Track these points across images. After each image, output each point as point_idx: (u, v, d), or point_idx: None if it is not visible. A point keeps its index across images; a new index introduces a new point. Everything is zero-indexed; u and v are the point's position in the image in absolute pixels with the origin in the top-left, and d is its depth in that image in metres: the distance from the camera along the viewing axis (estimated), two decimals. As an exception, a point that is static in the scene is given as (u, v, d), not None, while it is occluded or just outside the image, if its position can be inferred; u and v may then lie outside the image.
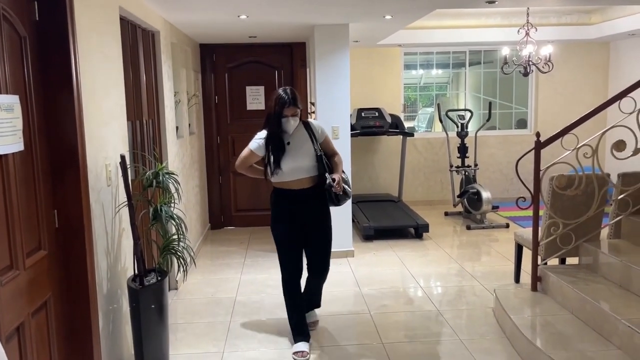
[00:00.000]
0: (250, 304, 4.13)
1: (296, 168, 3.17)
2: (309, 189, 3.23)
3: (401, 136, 7.10)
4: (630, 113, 3.55)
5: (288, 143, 3.18)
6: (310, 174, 3.22)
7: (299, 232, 3.30)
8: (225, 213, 6.59)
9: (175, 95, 4.80)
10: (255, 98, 6.44)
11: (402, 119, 7.39)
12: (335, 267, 4.91)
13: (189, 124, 5.48)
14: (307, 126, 3.28)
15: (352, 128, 6.20)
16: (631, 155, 3.54)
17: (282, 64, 6.40)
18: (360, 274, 4.76)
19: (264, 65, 6.41)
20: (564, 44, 7.41)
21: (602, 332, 3.04)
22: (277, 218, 3.31)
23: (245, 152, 3.27)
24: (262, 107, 6.39)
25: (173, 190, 3.17)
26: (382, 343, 3.38)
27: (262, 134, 3.24)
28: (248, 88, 6.40)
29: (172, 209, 3.11)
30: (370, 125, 6.78)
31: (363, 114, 6.90)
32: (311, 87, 5.86)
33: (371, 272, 4.87)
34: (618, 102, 3.70)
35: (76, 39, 2.42)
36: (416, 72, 8.93)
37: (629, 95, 3.66)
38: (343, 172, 3.38)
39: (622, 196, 3.67)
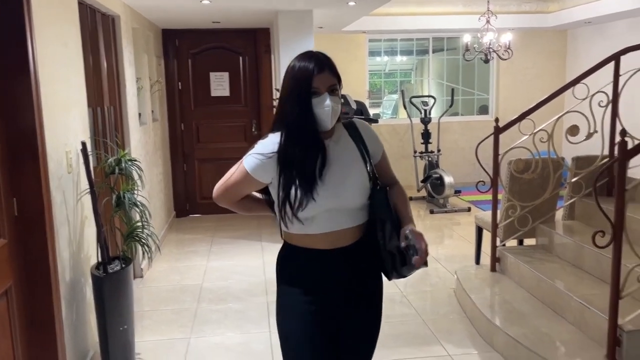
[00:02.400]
0: (217, 290, 4.15)
1: (337, 209, 1.66)
2: (351, 247, 1.71)
3: (366, 122, 7.16)
4: (584, 99, 3.69)
5: (325, 159, 1.65)
6: (357, 221, 1.71)
7: (328, 327, 1.75)
8: (190, 201, 6.55)
9: (137, 81, 4.73)
10: (220, 84, 6.39)
11: (367, 105, 7.45)
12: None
13: (152, 111, 5.41)
14: (353, 130, 1.74)
15: (318, 114, 6.22)
16: (584, 140, 3.69)
17: (246, 49, 6.36)
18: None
19: (228, 51, 6.35)
20: (523, 31, 7.57)
21: (556, 309, 3.18)
22: (290, 301, 1.75)
23: (232, 176, 1.71)
24: (226, 93, 6.36)
25: (136, 177, 3.15)
26: (347, 325, 3.46)
27: (269, 142, 1.66)
28: (212, 74, 6.34)
29: (135, 196, 3.09)
30: (335, 111, 6.80)
31: (328, 100, 6.91)
32: (276, 74, 5.85)
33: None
34: (572, 88, 3.85)
35: (33, 25, 2.37)
36: (381, 59, 9.00)
37: (582, 82, 3.80)
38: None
39: (575, 179, 3.82)
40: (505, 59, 6.36)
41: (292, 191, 1.61)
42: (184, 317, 3.66)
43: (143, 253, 3.15)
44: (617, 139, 3.15)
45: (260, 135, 6.26)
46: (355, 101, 7.05)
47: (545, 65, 7.91)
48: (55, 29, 2.72)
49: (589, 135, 3.69)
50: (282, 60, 5.11)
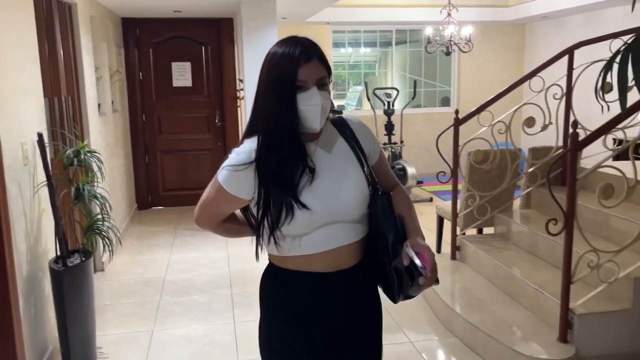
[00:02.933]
0: (180, 282, 4.12)
1: (333, 223, 1.40)
2: (354, 269, 1.46)
3: (330, 114, 7.18)
4: (539, 92, 3.81)
5: (310, 168, 1.38)
6: (358, 235, 1.45)
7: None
8: (152, 193, 6.45)
9: (96, 71, 4.62)
10: (182, 75, 6.30)
11: (332, 97, 7.47)
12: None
13: (112, 101, 5.30)
14: (344, 128, 1.48)
15: (282, 105, 6.21)
16: (540, 131, 3.80)
17: (209, 39, 6.28)
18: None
19: (190, 41, 6.26)
20: (483, 24, 7.72)
21: (512, 295, 3.29)
22: (281, 335, 1.48)
23: (209, 194, 1.45)
24: (189, 83, 6.28)
25: (96, 169, 3.09)
26: (312, 314, 3.50)
27: (243, 150, 1.39)
28: (174, 64, 6.25)
29: (95, 188, 3.03)
30: (299, 102, 6.81)
31: (292, 92, 6.91)
32: (239, 64, 5.81)
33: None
34: (528, 81, 3.96)
35: (-16, 10, 2.29)
36: (345, 50, 9.03)
37: (538, 75, 3.92)
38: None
39: (531, 169, 3.94)
40: (466, 52, 6.48)
41: (271, 206, 1.34)
42: (146, 310, 3.63)
43: (104, 246, 3.10)
44: (571, 130, 3.27)
45: (224, 127, 6.21)
46: (320, 92, 7.08)
47: (505, 58, 8.09)
48: (6, 14, 2.64)
49: (545, 127, 3.81)
50: (246, 50, 5.07)
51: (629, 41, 2.23)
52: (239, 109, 6.28)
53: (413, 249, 1.36)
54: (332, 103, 6.96)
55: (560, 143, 3.94)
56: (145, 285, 4.06)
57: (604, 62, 2.17)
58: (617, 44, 3.50)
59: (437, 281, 1.36)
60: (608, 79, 2.34)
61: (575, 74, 3.90)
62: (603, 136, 2.71)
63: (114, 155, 5.13)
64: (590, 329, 2.70)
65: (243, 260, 4.58)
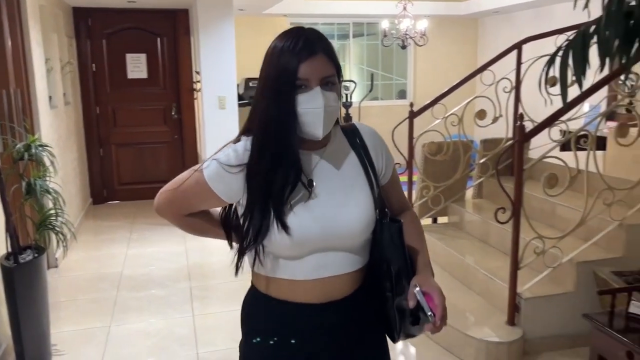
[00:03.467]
0: (138, 277, 4.08)
1: (330, 249, 1.23)
2: (347, 300, 1.29)
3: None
4: (490, 85, 3.94)
5: (310, 182, 1.22)
6: (357, 264, 1.28)
7: None
8: (108, 187, 6.32)
9: (46, 62, 4.48)
10: (137, 66, 6.18)
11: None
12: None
13: (64, 93, 5.16)
14: (354, 137, 1.31)
15: (240, 98, 6.19)
16: (491, 123, 3.94)
17: (164, 31, 6.18)
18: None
19: (145, 32, 6.14)
20: (438, 18, 7.88)
21: (464, 282, 3.41)
22: None
23: (184, 183, 1.26)
24: (144, 75, 6.16)
25: (48, 163, 3.02)
26: (271, 306, 3.53)
27: (241, 148, 1.22)
28: (128, 55, 6.12)
29: (47, 182, 2.97)
30: (257, 95, 6.79)
31: (251, 84, 6.89)
32: (196, 56, 5.75)
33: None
34: (480, 74, 4.09)
35: None
36: (303, 43, 9.05)
37: (489, 68, 4.05)
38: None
39: (483, 160, 4.08)
40: (421, 45, 6.61)
41: (256, 218, 1.18)
42: (103, 305, 3.58)
43: (57, 242, 3.04)
44: (517, 123, 3.40)
45: (181, 119, 6.13)
46: (278, 85, 7.08)
47: (459, 52, 8.28)
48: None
49: (495, 119, 3.95)
50: (202, 42, 5.03)
51: (571, 37, 2.35)
52: (195, 101, 6.22)
53: (421, 289, 1.17)
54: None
55: (510, 135, 4.09)
56: (101, 281, 4.00)
57: (549, 57, 2.27)
58: (563, 39, 3.67)
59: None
60: (553, 73, 2.46)
61: (523, 68, 4.05)
62: (548, 128, 2.84)
63: (66, 148, 5.01)
64: (536, 311, 2.84)
65: (202, 254, 4.57)
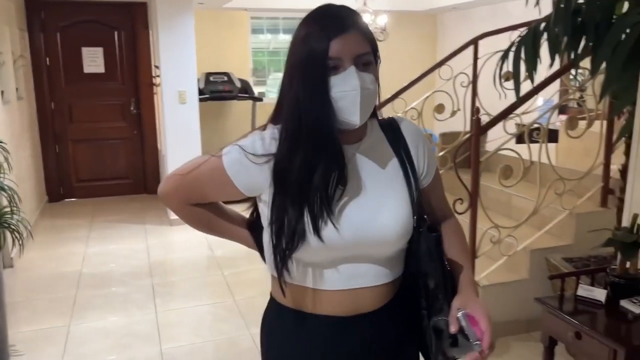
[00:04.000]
0: (98, 275, 4.01)
1: (360, 257, 1.10)
2: (378, 313, 1.15)
3: (251, 101, 7.18)
4: (448, 79, 4.04)
5: (344, 178, 1.06)
6: (390, 275, 1.14)
7: None
8: (65, 184, 6.16)
9: (-3, 56, 4.34)
10: (93, 60, 6.04)
11: (252, 84, 7.46)
12: (187, 233, 4.94)
13: (17, 88, 5.00)
14: (393, 133, 1.17)
15: (201, 92, 6.14)
16: (450, 117, 4.04)
17: (122, 24, 6.05)
18: (212, 238, 4.81)
19: (102, 25, 6.00)
20: (397, 14, 7.97)
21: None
22: None
23: (199, 167, 1.13)
24: (101, 70, 6.03)
25: (2, 160, 2.94)
26: (234, 300, 3.53)
27: (268, 136, 1.08)
28: (84, 49, 5.97)
29: (2, 179, 2.89)
30: (219, 89, 6.74)
31: (211, 79, 6.82)
32: (154, 50, 5.66)
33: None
34: (438, 69, 4.18)
35: None
36: (264, 37, 9.01)
37: (447, 64, 4.15)
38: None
39: (442, 153, 4.18)
40: (382, 40, 6.68)
41: (286, 221, 1.03)
42: (62, 304, 3.51)
43: (13, 240, 2.96)
44: (474, 117, 3.50)
45: (140, 115, 6.04)
46: (240, 79, 7.04)
47: (419, 47, 8.41)
48: None
49: (453, 113, 4.06)
50: (161, 36, 4.95)
51: (522, 34, 2.44)
52: (155, 96, 6.13)
53: (465, 311, 1.04)
54: (251, 89, 6.91)
55: (468, 128, 4.20)
56: (60, 280, 3.91)
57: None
58: (517, 35, 3.79)
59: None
60: (507, 69, 2.55)
61: (480, 63, 4.16)
62: (503, 121, 2.94)
63: (20, 145, 4.86)
64: (493, 298, 2.94)
65: (163, 250, 4.53)
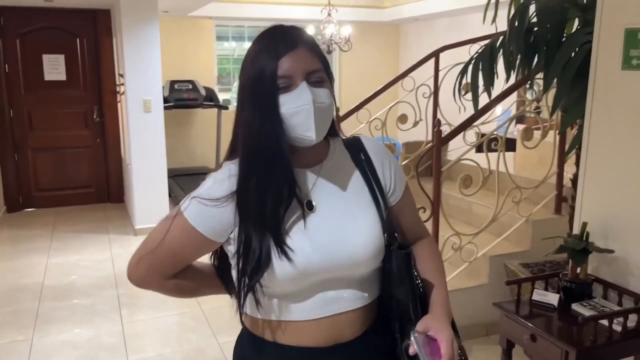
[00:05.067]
0: (60, 287, 3.94)
1: (333, 281, 1.07)
2: (357, 342, 1.11)
3: (216, 109, 7.18)
4: (410, 91, 4.15)
5: (309, 203, 1.07)
6: (366, 298, 1.11)
7: None
8: (24, 194, 6.01)
9: (-46, 63, 4.23)
10: (55, 67, 5.93)
11: (217, 91, 7.45)
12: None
13: (-25, 96, 4.88)
14: (357, 151, 1.16)
15: (165, 100, 6.10)
16: (412, 127, 4.16)
17: (84, 31, 5.97)
18: (179, 247, 4.80)
19: (64, 32, 5.91)
20: (361, 24, 8.12)
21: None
22: None
23: (165, 238, 1.07)
24: (63, 77, 5.93)
25: (-39, 171, 2.88)
26: (202, 309, 3.53)
27: (223, 176, 1.06)
28: (45, 56, 5.86)
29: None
30: (184, 97, 6.72)
31: (176, 86, 6.80)
32: (119, 58, 5.60)
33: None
34: (401, 81, 4.30)
35: None
36: (229, 44, 9.01)
37: (409, 75, 4.26)
38: None
39: (405, 162, 4.27)
40: (346, 51, 6.80)
41: (251, 249, 1.01)
42: (24, 317, 3.44)
43: (-27, 253, 2.90)
44: (435, 128, 3.61)
45: (104, 123, 5.94)
46: (205, 87, 7.03)
47: (382, 58, 8.57)
48: None
49: (416, 123, 4.17)
50: (126, 44, 4.92)
51: (480, 49, 2.56)
52: (119, 104, 6.06)
53: (428, 333, 1.02)
54: (216, 97, 6.88)
55: (430, 138, 4.32)
56: (21, 292, 3.83)
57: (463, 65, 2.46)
58: (476, 48, 3.94)
59: None
60: (467, 81, 2.65)
61: (441, 74, 4.30)
62: (463, 132, 3.06)
63: (-22, 154, 4.74)
64: (454, 303, 3.01)
65: (128, 260, 4.48)
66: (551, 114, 2.49)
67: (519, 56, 2.32)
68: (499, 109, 4.43)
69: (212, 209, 1.02)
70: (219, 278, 1.17)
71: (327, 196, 1.07)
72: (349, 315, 1.08)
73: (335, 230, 1.05)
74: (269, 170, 1.01)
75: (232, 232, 1.05)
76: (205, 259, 1.18)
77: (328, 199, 1.07)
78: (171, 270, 1.12)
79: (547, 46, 2.19)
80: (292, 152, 1.03)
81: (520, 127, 4.24)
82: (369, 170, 1.12)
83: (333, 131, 1.12)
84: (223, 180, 1.04)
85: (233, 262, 1.07)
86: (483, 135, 3.56)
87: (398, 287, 1.08)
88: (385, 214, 1.11)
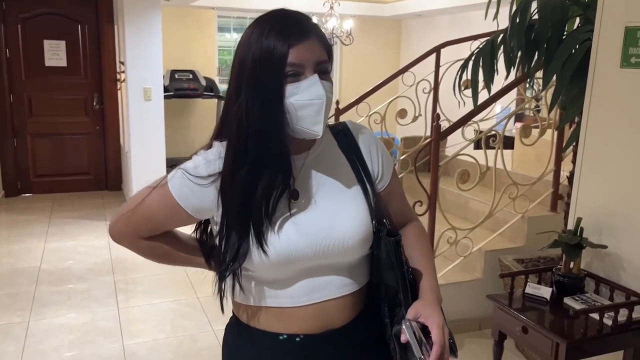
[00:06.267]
0: (57, 271, 3.96)
1: (322, 268, 1.06)
2: (348, 329, 1.11)
3: (216, 99, 7.18)
4: (411, 86, 4.17)
5: (294, 191, 1.05)
6: (355, 284, 1.10)
7: None
8: (22, 179, 6.01)
9: (-44, 45, 4.23)
10: (55, 53, 5.93)
11: (217, 82, 7.46)
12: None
13: (-25, 79, 4.88)
14: (344, 137, 1.14)
15: (165, 90, 6.10)
16: (411, 122, 4.17)
17: (86, 18, 5.96)
18: (176, 236, 4.82)
19: (65, 18, 5.89)
20: (363, 19, 8.12)
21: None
22: None
23: (145, 200, 1.07)
24: (63, 63, 5.92)
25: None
26: (197, 297, 3.56)
27: (213, 155, 1.04)
28: (46, 42, 5.85)
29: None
30: (184, 87, 6.72)
31: (176, 76, 6.79)
32: (120, 45, 5.61)
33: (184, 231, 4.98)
34: (401, 75, 4.31)
35: None
36: (230, 36, 9.00)
37: (410, 70, 4.28)
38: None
39: (403, 157, 4.30)
40: (347, 45, 6.80)
41: (233, 237, 1.01)
42: (20, 300, 3.46)
43: (-29, 234, 2.92)
44: (434, 123, 3.63)
45: (103, 110, 5.95)
46: (205, 78, 7.03)
47: (383, 53, 8.57)
48: None
49: (415, 118, 4.19)
50: (128, 32, 4.92)
51: (481, 45, 2.58)
52: (119, 91, 6.06)
53: (419, 320, 1.01)
54: (217, 88, 6.87)
55: (428, 133, 4.34)
56: (18, 276, 3.85)
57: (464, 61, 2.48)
58: (477, 45, 3.96)
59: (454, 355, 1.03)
60: (467, 77, 2.67)
61: (441, 70, 4.31)
62: (462, 128, 3.08)
63: (-23, 138, 4.74)
64: (449, 297, 3.04)
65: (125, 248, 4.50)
66: (549, 110, 2.51)
67: (519, 53, 2.33)
68: (498, 107, 4.46)
69: (195, 186, 1.01)
70: (202, 253, 1.15)
71: (314, 184, 1.06)
72: (337, 302, 1.07)
73: (322, 218, 1.04)
74: (264, 159, 0.98)
75: (215, 215, 1.05)
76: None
77: (315, 187, 1.06)
78: (146, 233, 1.11)
79: (548, 43, 2.21)
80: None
81: (519, 125, 4.26)
82: (356, 157, 1.10)
83: None
84: (213, 161, 1.02)
85: (217, 241, 1.06)
86: (482, 132, 3.59)
87: (387, 273, 1.07)
88: (374, 201, 1.10)
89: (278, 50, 0.95)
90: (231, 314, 1.17)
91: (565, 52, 2.13)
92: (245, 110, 0.97)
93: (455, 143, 3.46)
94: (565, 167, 3.29)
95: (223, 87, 8.63)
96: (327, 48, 1.02)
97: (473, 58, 2.52)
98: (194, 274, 3.92)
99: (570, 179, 2.74)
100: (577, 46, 2.11)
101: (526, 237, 3.23)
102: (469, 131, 3.19)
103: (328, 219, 1.04)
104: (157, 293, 3.64)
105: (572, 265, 2.02)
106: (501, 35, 2.47)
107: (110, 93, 6.12)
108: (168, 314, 3.34)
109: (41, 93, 5.92)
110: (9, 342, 2.97)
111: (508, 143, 3.88)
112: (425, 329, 1.01)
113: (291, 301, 1.05)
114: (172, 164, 6.59)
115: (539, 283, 2.09)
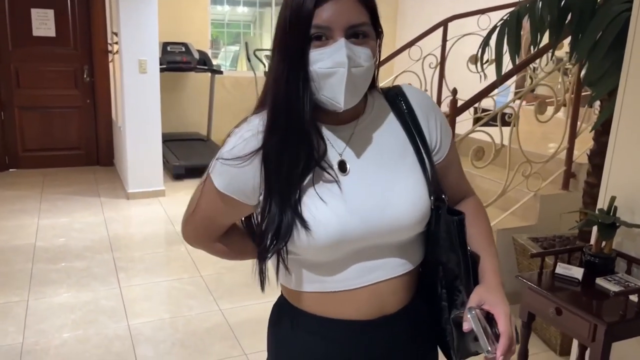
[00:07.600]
0: (53, 249, 3.83)
1: (373, 248, 0.96)
2: (400, 314, 1.02)
3: (209, 73, 7.00)
4: (417, 60, 4.07)
5: (342, 163, 0.96)
6: (409, 264, 1.01)
7: None
8: (10, 154, 5.82)
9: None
10: (43, 23, 5.69)
11: (210, 55, 7.26)
12: (146, 207, 4.80)
13: (-40, 48, 4.65)
14: (400, 103, 1.02)
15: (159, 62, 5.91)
16: (417, 98, 4.08)
17: (75, -15, 5.72)
18: (173, 213, 4.72)
19: (53, -14, 5.66)
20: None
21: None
22: None
23: (198, 202, 1.03)
24: (52, 33, 5.70)
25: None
26: (201, 276, 3.47)
27: (248, 132, 0.95)
28: (34, 10, 5.61)
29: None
30: (177, 60, 6.52)
31: (169, 49, 6.58)
32: (112, 15, 5.39)
33: (183, 210, 4.86)
34: (408, 50, 4.21)
35: None
36: (222, 8, 8.76)
37: (416, 44, 4.18)
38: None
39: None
40: (345, 18, 6.65)
41: (271, 217, 0.93)
42: (18, 279, 3.34)
43: (-33, 210, 2.78)
44: (444, 97, 3.55)
45: (94, 83, 5.77)
46: (198, 51, 6.83)
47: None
48: None
49: (422, 94, 4.09)
50: (121, 1, 4.71)
51: (505, 17, 2.48)
52: (111, 64, 5.86)
53: (483, 307, 0.92)
54: (210, 61, 6.68)
55: (435, 109, 4.26)
56: (13, 253, 3.72)
57: (472, 35, 2.37)
58: (485, 19, 3.86)
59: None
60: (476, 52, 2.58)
61: (448, 44, 4.21)
62: (477, 103, 3.00)
63: (-36, 110, 4.55)
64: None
65: (122, 224, 4.39)
66: (583, 84, 2.42)
67: (547, 23, 2.24)
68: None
69: (234, 170, 0.93)
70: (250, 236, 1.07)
71: (365, 156, 0.96)
72: (390, 283, 0.98)
73: (374, 194, 0.94)
74: (290, 131, 0.90)
75: (260, 194, 0.95)
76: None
77: (365, 159, 0.96)
78: (215, 233, 1.06)
79: (581, 13, 2.12)
80: (321, 107, 0.93)
81: (518, 103, 4.19)
82: (413, 125, 1.00)
83: (372, 84, 0.98)
84: (247, 136, 0.93)
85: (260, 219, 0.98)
86: (483, 110, 3.52)
87: (447, 253, 0.98)
88: (431, 174, 0.99)
89: (305, 10, 0.86)
90: (260, 292, 1.04)
91: (600, 24, 2.04)
92: (276, 77, 0.91)
93: (460, 120, 3.39)
94: (579, 146, 3.24)
95: (214, 61, 8.43)
96: (369, 7, 0.92)
97: (497, 30, 2.42)
98: (195, 252, 3.82)
99: (591, 157, 2.68)
100: (614, 18, 2.03)
101: (538, 216, 3.19)
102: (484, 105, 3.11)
103: (382, 194, 0.94)
104: (158, 271, 3.54)
105: (603, 244, 1.96)
106: (527, 5, 2.37)
107: (102, 65, 5.91)
108: (172, 293, 3.25)
109: (29, 64, 5.70)
110: (9, 322, 2.86)
111: (504, 120, 3.82)
112: (488, 316, 0.92)
113: (340, 285, 0.97)
114: (165, 139, 6.44)
115: (568, 263, 2.03)
